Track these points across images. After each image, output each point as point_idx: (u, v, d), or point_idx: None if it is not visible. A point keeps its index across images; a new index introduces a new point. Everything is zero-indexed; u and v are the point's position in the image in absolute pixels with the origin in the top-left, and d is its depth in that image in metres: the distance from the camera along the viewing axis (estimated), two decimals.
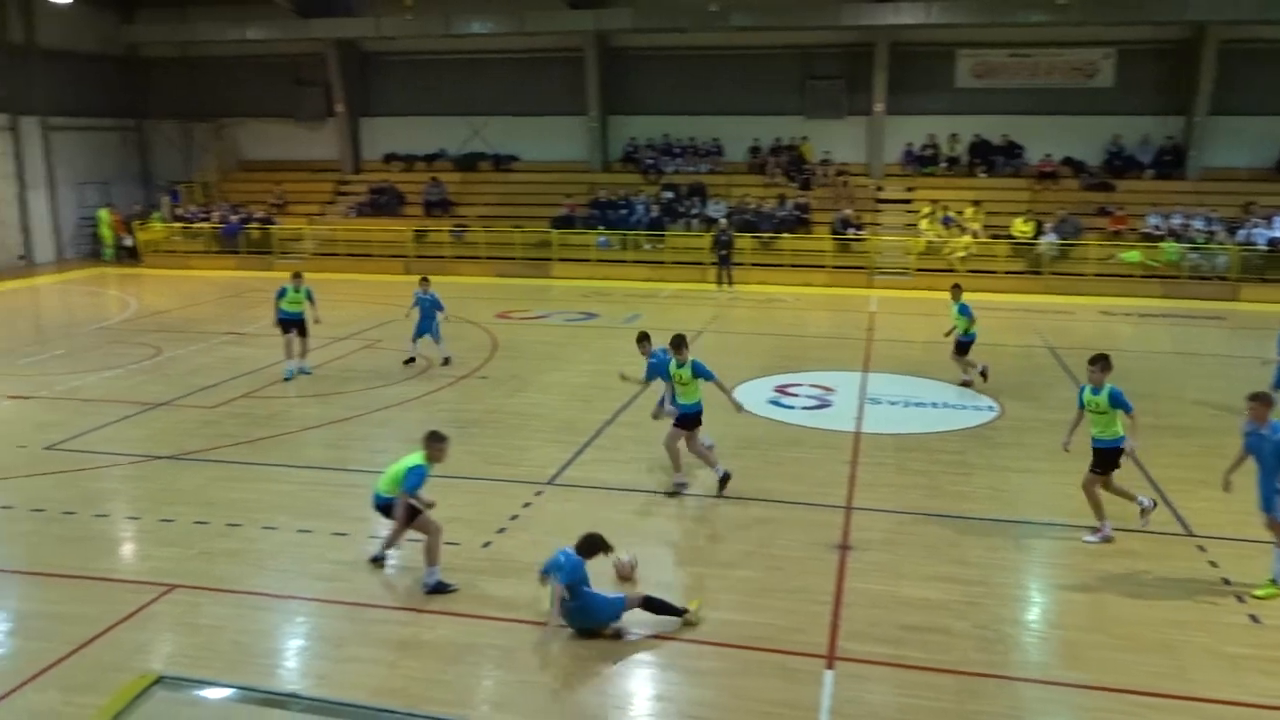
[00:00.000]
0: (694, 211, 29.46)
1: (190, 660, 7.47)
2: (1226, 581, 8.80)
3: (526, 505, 10.56)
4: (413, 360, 16.83)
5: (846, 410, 14.45)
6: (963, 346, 15.68)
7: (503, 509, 10.48)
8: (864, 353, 15.98)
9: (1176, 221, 26.67)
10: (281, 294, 16.30)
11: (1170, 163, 28.87)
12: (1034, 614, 8.56)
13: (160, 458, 12.20)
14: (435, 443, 8.70)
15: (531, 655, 7.58)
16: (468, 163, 33.12)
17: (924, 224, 27.64)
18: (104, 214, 31.73)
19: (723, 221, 26.85)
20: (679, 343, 10.71)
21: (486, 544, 9.58)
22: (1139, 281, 25.53)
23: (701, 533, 10.19)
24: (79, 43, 32.33)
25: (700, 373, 10.61)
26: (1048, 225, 26.93)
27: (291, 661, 7.69)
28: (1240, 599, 8.46)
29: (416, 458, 8.61)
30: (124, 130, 34.94)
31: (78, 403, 14.76)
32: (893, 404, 14.88)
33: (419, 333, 16.89)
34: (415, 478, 8.51)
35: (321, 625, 8.15)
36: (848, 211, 28.21)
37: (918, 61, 29.94)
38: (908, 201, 29.53)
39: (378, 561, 9.11)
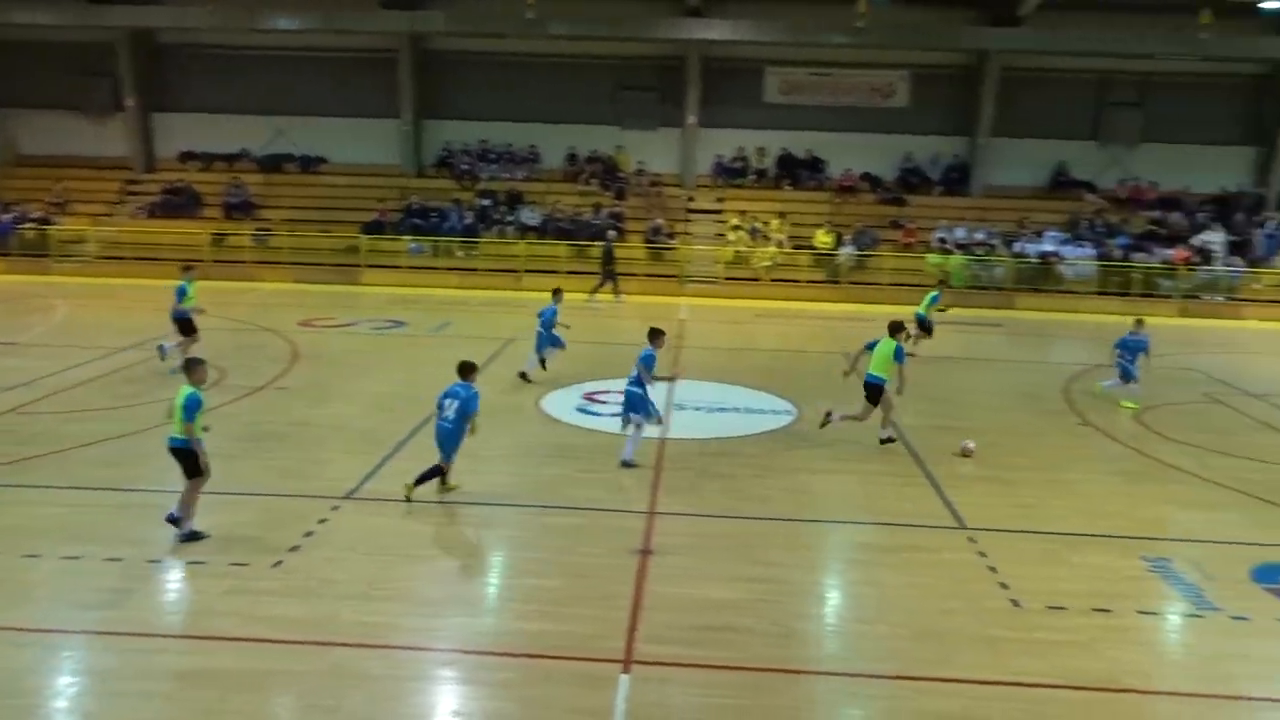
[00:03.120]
0: (508, 219, 29.31)
1: None
2: (992, 569, 9.46)
3: (323, 521, 10.18)
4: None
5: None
6: None
7: (297, 525, 10.05)
8: (672, 359, 16.32)
9: (960, 235, 28.57)
10: (183, 293, 16.44)
11: (957, 180, 30.93)
12: (823, 609, 8.93)
13: None
14: (197, 367, 9.68)
15: (328, 679, 7.30)
16: (272, 164, 31.79)
17: (732, 234, 28.48)
18: None
19: (611, 234, 26.82)
20: None
21: (277, 563, 9.16)
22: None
23: (506, 542, 10.11)
24: None
25: None
26: (846, 237, 28.29)
27: (54, 700, 7.10)
28: (1004, 585, 9.10)
29: (186, 389, 9.36)
30: None
31: None
32: (698, 409, 15.22)
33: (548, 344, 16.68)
34: (194, 404, 9.26)
35: (90, 659, 7.57)
36: (660, 221, 28.74)
37: (728, 76, 30.89)
38: (718, 212, 30.40)
39: (175, 521, 9.50)
